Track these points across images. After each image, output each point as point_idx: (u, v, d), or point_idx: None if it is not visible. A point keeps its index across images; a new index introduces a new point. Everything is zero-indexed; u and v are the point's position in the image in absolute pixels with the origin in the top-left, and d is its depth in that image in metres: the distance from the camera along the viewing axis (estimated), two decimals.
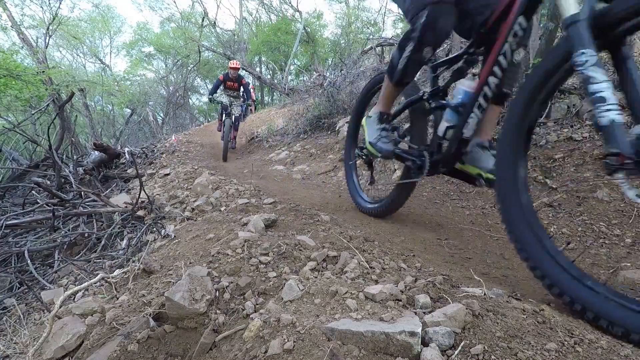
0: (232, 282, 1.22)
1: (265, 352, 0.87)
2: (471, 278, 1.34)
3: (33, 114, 7.92)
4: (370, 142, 2.06)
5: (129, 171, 4.71)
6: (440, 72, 1.91)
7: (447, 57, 1.82)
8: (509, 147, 1.29)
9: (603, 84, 0.98)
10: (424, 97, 1.91)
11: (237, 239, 1.53)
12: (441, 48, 7.56)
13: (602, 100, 0.98)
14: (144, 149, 6.15)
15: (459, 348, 0.81)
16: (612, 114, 0.96)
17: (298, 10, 18.03)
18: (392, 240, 1.84)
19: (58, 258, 2.28)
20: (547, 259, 1.11)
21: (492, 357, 0.78)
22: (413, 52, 1.62)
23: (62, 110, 5.93)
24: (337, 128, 5.63)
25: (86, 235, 2.58)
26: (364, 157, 2.32)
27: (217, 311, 1.12)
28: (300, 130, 6.35)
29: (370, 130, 2.09)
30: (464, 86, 1.65)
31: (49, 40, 11.07)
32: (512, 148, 1.28)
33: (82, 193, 3.06)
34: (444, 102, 1.82)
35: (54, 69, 9.37)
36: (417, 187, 3.29)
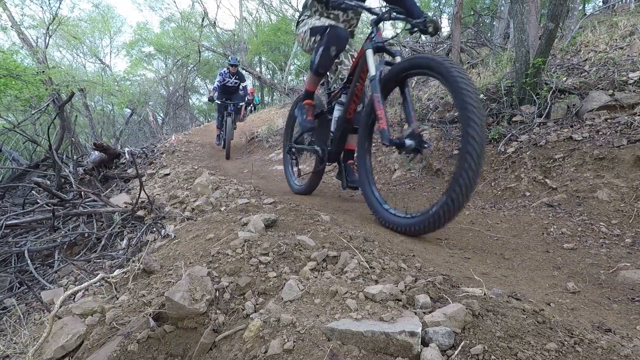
0: (232, 282, 1.22)
1: (265, 352, 0.87)
2: (471, 278, 1.34)
3: (33, 114, 7.92)
4: None
5: (129, 171, 4.71)
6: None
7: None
8: None
9: None
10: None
11: (237, 239, 1.52)
12: (441, 48, 7.57)
13: None
14: (144, 149, 6.15)
15: (459, 348, 0.81)
16: None
17: (298, 10, 18.06)
18: (392, 240, 1.84)
19: (58, 258, 2.28)
20: None
21: (492, 357, 0.78)
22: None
23: (62, 110, 5.93)
24: None
25: (86, 235, 2.58)
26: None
27: (217, 311, 1.12)
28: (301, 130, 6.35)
29: None
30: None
31: (49, 40, 11.08)
32: None
33: (82, 193, 3.06)
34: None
35: (54, 69, 9.36)
36: (417, 187, 3.30)
